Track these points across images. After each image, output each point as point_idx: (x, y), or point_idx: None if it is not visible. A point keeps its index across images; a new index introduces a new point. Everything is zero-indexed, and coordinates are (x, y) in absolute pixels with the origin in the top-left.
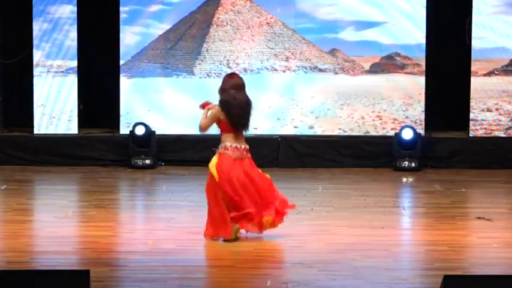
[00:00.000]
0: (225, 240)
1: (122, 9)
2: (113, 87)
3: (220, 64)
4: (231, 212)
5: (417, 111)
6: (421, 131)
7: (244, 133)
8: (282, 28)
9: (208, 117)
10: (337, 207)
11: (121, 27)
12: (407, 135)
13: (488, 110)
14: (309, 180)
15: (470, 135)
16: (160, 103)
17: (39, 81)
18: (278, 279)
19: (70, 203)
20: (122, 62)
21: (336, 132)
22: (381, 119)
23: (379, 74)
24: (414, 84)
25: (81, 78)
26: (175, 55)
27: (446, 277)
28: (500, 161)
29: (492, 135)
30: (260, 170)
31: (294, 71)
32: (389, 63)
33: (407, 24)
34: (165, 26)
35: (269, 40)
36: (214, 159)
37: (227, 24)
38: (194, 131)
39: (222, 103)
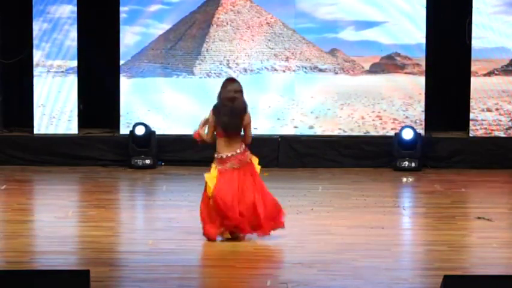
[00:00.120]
0: (209, 240)
1: (121, 9)
2: (113, 87)
3: (220, 64)
4: (224, 220)
5: (417, 111)
6: (421, 131)
7: (236, 136)
8: (282, 28)
9: (206, 126)
10: (337, 207)
11: (121, 27)
12: (407, 135)
13: (488, 110)
14: (309, 180)
15: (470, 135)
16: (160, 103)
17: (39, 81)
18: (278, 279)
19: (70, 203)
20: (122, 62)
21: (336, 132)
22: (381, 119)
23: (379, 74)
24: (414, 84)
25: (81, 78)
26: (175, 55)
27: (446, 277)
28: (500, 161)
29: (492, 135)
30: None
31: (294, 71)
32: (389, 63)
33: (407, 24)
34: (165, 26)
35: (269, 40)
36: (214, 174)
37: (227, 24)
38: (194, 131)
39: (214, 107)
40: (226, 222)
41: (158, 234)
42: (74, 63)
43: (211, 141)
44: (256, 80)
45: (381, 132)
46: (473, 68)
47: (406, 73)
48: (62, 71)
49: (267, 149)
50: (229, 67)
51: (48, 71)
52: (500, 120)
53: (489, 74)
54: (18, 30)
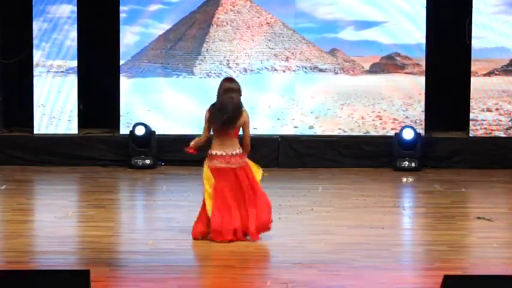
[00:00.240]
0: (194, 239)
1: (121, 8)
2: (113, 87)
3: (220, 64)
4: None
5: (417, 111)
6: (421, 131)
7: (230, 136)
8: (282, 28)
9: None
10: (337, 207)
11: (121, 27)
12: (407, 135)
13: (488, 110)
14: (309, 180)
15: (470, 135)
16: (160, 103)
17: (39, 81)
18: (278, 279)
19: (70, 203)
20: (121, 62)
21: (336, 132)
22: (381, 119)
23: (379, 74)
24: (414, 84)
25: (81, 78)
26: (175, 55)
27: (446, 277)
28: (500, 161)
29: (492, 135)
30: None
31: (294, 71)
32: (389, 63)
33: (407, 24)
34: (165, 26)
35: (269, 40)
36: (206, 172)
37: (227, 24)
38: (194, 131)
39: (210, 106)
40: (218, 238)
41: (158, 234)
42: (74, 63)
43: (205, 140)
44: (256, 80)
45: (381, 132)
46: (473, 68)
47: (406, 73)
48: (62, 71)
49: (267, 149)
50: (229, 67)
51: (48, 71)
52: (500, 120)
53: (489, 74)
54: (18, 30)
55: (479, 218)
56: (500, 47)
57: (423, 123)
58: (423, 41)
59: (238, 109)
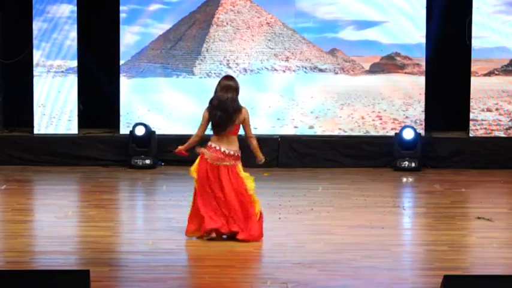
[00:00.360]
0: (187, 236)
1: (121, 8)
2: (113, 87)
3: (220, 64)
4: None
5: (417, 111)
6: (421, 131)
7: (227, 134)
8: (282, 28)
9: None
10: (337, 207)
11: (121, 27)
12: (407, 135)
13: (488, 110)
14: (309, 180)
15: (470, 135)
16: (160, 103)
17: (39, 81)
18: (278, 279)
19: (70, 203)
20: (121, 62)
21: (336, 132)
22: (381, 119)
23: (379, 74)
24: (414, 84)
25: (81, 78)
26: (175, 55)
27: (446, 277)
28: (500, 161)
29: (492, 135)
30: (246, 187)
31: (294, 71)
32: (389, 63)
33: (407, 24)
34: (165, 26)
35: (269, 40)
36: (196, 163)
37: (227, 24)
38: (194, 131)
39: (209, 104)
40: (205, 225)
41: (158, 234)
42: (74, 63)
43: (198, 140)
44: (256, 80)
45: (381, 132)
46: (473, 68)
47: (406, 73)
48: (62, 71)
49: (267, 149)
50: (229, 67)
51: (48, 71)
52: (500, 120)
53: (489, 74)
54: (18, 30)
55: (479, 218)
56: (500, 47)
57: (423, 123)
58: (423, 41)
59: (234, 106)
